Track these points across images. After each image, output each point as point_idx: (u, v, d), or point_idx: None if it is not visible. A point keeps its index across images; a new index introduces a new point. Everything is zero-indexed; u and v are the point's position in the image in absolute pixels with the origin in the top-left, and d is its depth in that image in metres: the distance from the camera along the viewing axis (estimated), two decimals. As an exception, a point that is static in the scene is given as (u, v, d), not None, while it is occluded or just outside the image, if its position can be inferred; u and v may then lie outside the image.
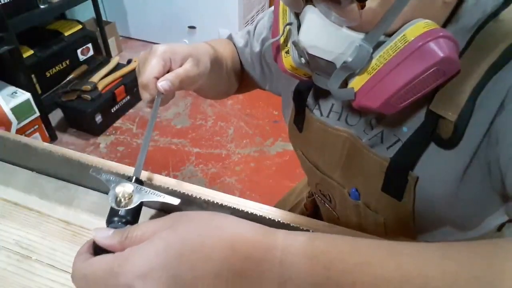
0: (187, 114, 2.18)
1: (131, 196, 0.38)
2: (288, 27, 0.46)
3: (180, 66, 0.49)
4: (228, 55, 0.65)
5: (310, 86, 0.55)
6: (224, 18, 2.46)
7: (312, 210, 0.75)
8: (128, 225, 0.36)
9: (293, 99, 0.57)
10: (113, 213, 0.37)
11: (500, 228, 0.53)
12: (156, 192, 0.39)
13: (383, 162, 0.47)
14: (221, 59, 0.60)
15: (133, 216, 0.38)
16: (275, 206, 0.63)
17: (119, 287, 0.29)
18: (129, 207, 0.37)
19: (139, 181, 0.42)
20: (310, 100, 0.55)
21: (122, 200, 0.38)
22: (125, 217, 0.37)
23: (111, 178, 0.40)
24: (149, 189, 0.39)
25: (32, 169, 0.62)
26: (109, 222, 0.37)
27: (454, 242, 0.29)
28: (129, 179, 0.41)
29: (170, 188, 0.50)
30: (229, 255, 0.29)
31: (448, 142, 0.41)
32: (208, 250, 0.29)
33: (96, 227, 0.34)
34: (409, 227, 0.51)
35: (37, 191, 0.59)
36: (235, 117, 2.16)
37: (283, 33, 0.47)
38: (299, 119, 0.57)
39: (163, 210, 0.55)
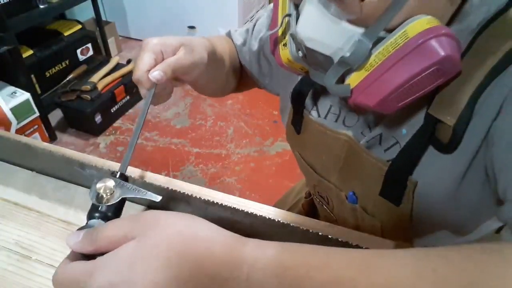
0: (186, 114, 2.18)
1: (113, 191, 0.37)
2: (286, 18, 0.45)
3: (173, 56, 0.48)
4: (227, 52, 0.64)
5: (308, 87, 0.54)
6: (224, 18, 2.46)
7: (310, 210, 0.75)
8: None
9: (292, 101, 0.56)
10: (93, 208, 0.37)
11: (498, 230, 0.52)
12: (139, 188, 0.39)
13: (382, 166, 0.46)
14: (218, 54, 0.58)
15: (114, 212, 0.37)
16: (274, 206, 0.63)
17: None
18: (110, 203, 0.37)
19: (124, 177, 0.41)
20: (308, 101, 0.54)
21: (104, 196, 0.37)
22: (105, 213, 0.36)
23: (95, 173, 0.40)
24: (132, 185, 0.39)
25: (32, 169, 0.62)
26: (90, 217, 0.37)
27: (445, 248, 0.29)
28: (113, 174, 0.40)
29: (169, 188, 0.50)
30: (196, 273, 0.30)
31: (447, 147, 0.40)
32: (174, 268, 0.30)
33: (70, 233, 0.34)
34: (406, 231, 0.51)
35: (37, 191, 0.59)
36: (235, 117, 2.16)
37: (281, 25, 0.46)
38: (297, 120, 0.57)
39: (151, 207, 0.55)
